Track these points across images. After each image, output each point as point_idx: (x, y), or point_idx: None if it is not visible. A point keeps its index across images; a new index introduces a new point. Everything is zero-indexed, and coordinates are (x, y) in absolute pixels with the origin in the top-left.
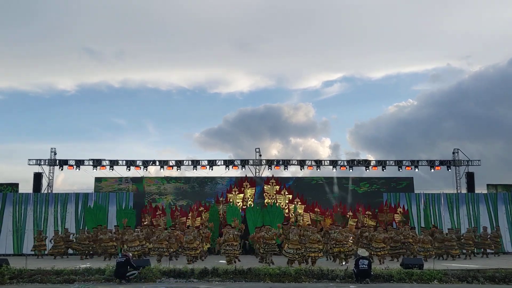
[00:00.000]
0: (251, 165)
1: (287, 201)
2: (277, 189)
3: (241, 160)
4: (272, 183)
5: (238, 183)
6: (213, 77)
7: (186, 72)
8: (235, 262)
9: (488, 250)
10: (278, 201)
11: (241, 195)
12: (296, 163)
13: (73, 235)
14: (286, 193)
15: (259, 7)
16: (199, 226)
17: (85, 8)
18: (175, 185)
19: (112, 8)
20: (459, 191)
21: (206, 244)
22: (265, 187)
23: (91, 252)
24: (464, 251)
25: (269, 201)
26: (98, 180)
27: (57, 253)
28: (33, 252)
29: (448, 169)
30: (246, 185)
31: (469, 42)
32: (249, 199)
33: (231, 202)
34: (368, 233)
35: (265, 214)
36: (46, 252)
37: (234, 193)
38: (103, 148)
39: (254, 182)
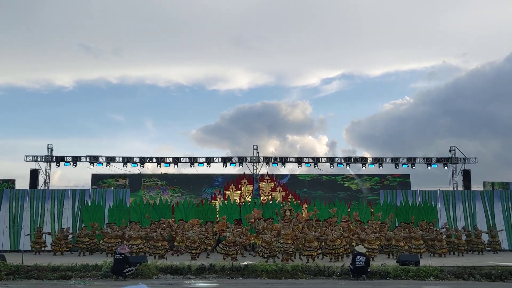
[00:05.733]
0: (248, 162)
1: (281, 198)
2: (272, 186)
3: (239, 157)
4: (267, 180)
5: (236, 181)
6: (212, 74)
7: (185, 69)
8: (236, 259)
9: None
10: (274, 197)
11: (238, 192)
12: (293, 160)
13: (72, 234)
14: (281, 190)
15: (259, 4)
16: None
17: (83, 4)
18: (172, 182)
19: (110, 4)
20: (455, 189)
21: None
22: (260, 184)
23: (91, 249)
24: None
25: (265, 198)
26: (95, 176)
27: (58, 249)
28: (29, 248)
29: (444, 167)
30: (244, 182)
31: (465, 39)
32: (247, 196)
33: (227, 200)
34: (359, 233)
35: (264, 210)
36: (44, 249)
37: (231, 190)
38: (101, 145)
39: (252, 179)
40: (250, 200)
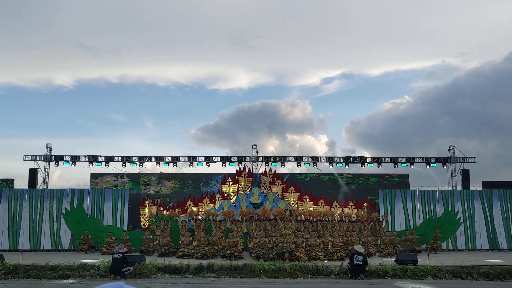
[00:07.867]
0: (248, 161)
1: (281, 191)
2: (271, 179)
3: (238, 157)
4: (269, 174)
5: (235, 173)
6: (212, 73)
7: (185, 68)
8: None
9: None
10: (273, 191)
11: (236, 185)
12: (292, 160)
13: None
14: (280, 183)
15: (259, 3)
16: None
17: (82, 4)
18: (171, 182)
19: (109, 4)
20: (454, 188)
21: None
22: (262, 177)
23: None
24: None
25: (265, 191)
26: (93, 176)
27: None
28: (28, 248)
29: (443, 166)
30: (244, 175)
31: (465, 39)
32: (246, 188)
33: (227, 197)
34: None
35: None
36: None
37: (228, 184)
38: (100, 144)
39: (252, 173)
40: (248, 192)
